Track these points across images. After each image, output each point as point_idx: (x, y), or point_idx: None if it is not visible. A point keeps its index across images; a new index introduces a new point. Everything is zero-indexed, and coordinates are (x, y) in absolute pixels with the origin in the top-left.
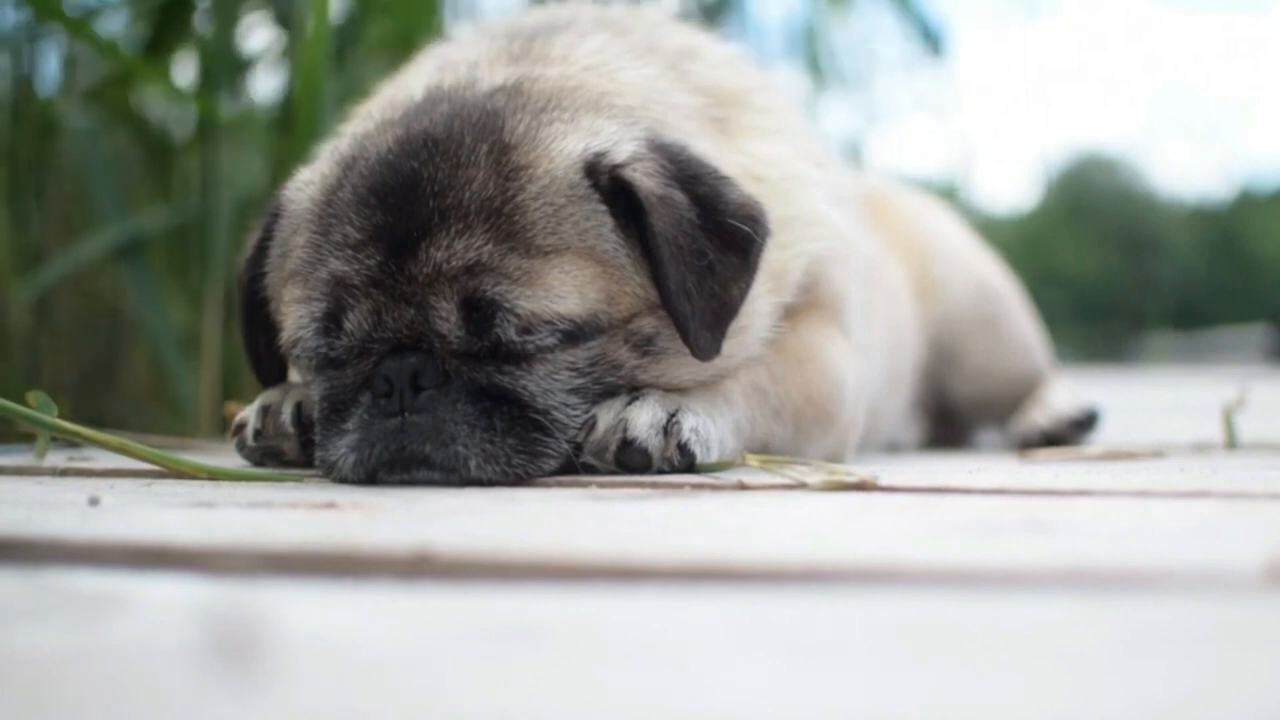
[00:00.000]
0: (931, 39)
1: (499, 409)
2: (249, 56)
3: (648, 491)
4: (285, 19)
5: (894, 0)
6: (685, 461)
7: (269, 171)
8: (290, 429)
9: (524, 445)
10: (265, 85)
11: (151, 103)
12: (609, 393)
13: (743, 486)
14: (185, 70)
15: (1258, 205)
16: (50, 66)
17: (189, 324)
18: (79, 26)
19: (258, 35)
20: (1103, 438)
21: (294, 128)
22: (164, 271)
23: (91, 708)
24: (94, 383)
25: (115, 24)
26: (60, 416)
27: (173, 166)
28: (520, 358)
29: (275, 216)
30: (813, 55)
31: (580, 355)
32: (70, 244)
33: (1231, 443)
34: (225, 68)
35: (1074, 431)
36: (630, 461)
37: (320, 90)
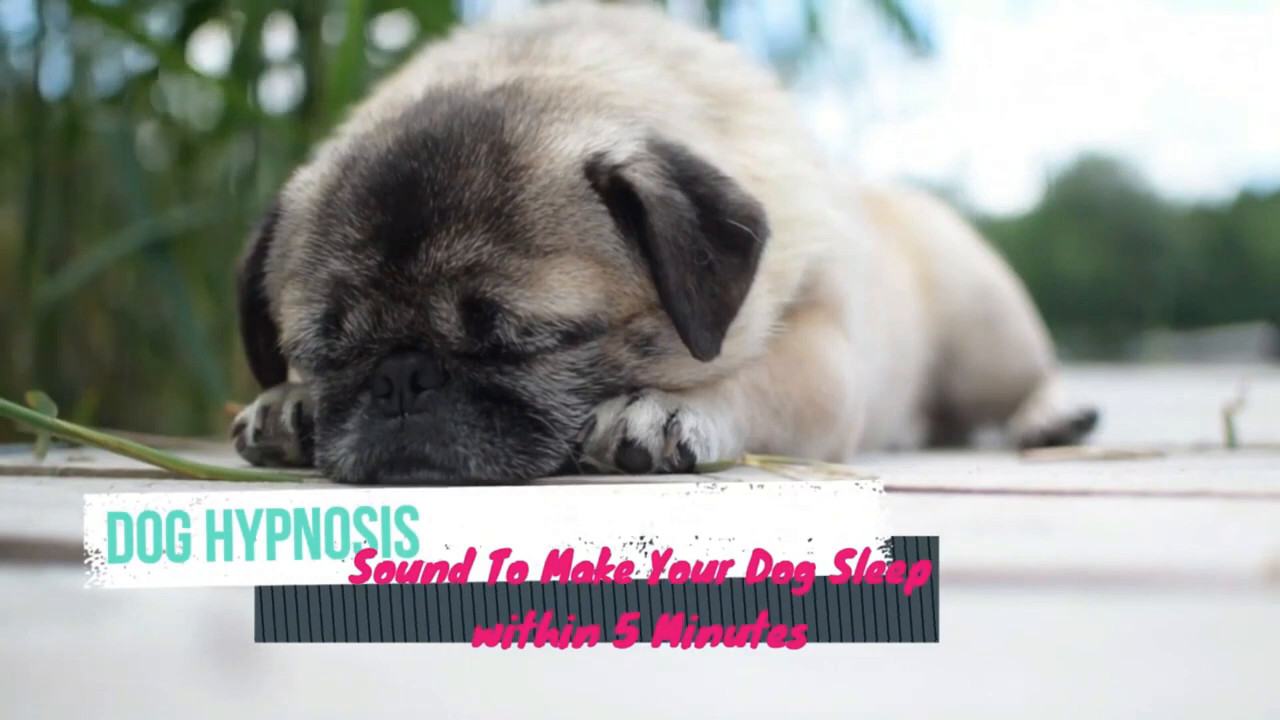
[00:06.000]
0: (918, 39)
1: (499, 409)
2: (270, 58)
3: None
4: (305, 21)
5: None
6: (685, 462)
7: (289, 169)
8: (290, 429)
9: (524, 445)
10: (281, 89)
11: (171, 104)
12: (609, 393)
13: None
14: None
15: (1258, 205)
16: (59, 69)
17: (215, 324)
18: (117, 17)
19: (276, 40)
20: (1103, 438)
21: (321, 119)
22: (189, 271)
23: (91, 708)
24: (107, 383)
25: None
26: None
27: (196, 165)
28: (520, 358)
29: (275, 217)
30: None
31: (580, 355)
32: (75, 244)
33: (1231, 443)
34: (253, 61)
35: (1074, 432)
36: (630, 461)
37: (356, 81)
